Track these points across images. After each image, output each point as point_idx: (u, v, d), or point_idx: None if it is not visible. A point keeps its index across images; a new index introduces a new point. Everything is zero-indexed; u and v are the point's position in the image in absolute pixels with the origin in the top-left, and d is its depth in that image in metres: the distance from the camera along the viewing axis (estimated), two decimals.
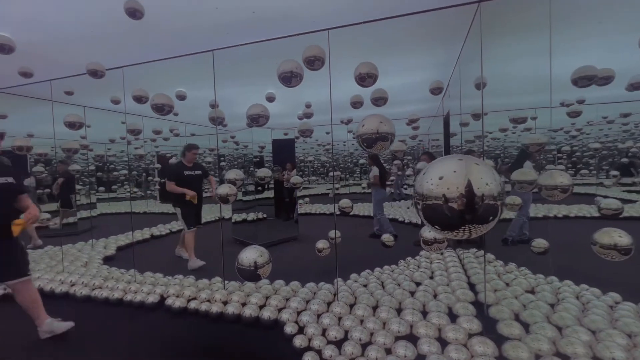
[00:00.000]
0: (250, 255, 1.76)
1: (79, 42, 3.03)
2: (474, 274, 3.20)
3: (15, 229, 2.09)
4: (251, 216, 5.79)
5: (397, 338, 2.15)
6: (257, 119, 2.24)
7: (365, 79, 2.19)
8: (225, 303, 2.74)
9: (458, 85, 3.84)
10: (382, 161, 5.72)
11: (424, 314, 2.47)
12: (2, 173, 2.21)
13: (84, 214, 6.95)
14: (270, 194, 6.34)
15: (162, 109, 2.77)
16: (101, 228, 6.48)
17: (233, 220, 5.34)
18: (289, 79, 1.81)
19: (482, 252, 3.53)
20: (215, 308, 2.66)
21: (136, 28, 2.79)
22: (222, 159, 10.33)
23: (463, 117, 3.61)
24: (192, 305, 2.75)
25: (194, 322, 2.62)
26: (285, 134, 6.65)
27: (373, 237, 5.16)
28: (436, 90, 3.53)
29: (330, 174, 9.85)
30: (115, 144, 7.10)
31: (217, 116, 3.28)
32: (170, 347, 2.28)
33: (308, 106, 4.61)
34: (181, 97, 4.15)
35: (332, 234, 2.83)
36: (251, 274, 1.75)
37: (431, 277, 3.20)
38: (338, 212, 2.85)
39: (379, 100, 2.87)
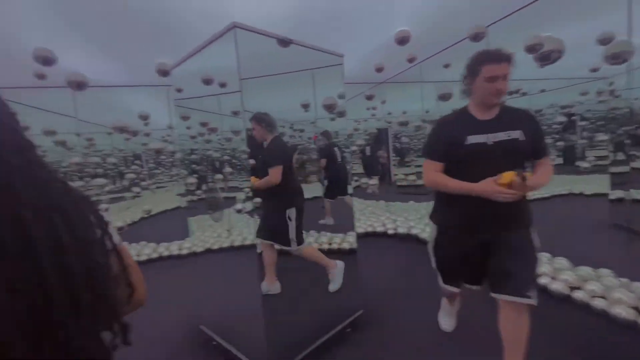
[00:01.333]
0: None
1: None
2: None
3: (506, 178, 1.36)
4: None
5: None
6: None
7: None
8: (636, 309, 1.99)
9: None
10: None
11: None
12: (507, 127, 1.44)
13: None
14: None
15: (548, 57, 2.36)
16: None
17: (611, 198, 3.96)
18: None
19: None
20: (622, 313, 1.99)
21: None
22: (572, 116, 8.14)
23: None
24: (578, 295, 2.25)
25: (581, 316, 2.12)
26: None
27: None
28: None
29: None
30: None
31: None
32: (553, 340, 1.95)
33: None
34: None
35: None
36: None
37: None
38: None
39: None
